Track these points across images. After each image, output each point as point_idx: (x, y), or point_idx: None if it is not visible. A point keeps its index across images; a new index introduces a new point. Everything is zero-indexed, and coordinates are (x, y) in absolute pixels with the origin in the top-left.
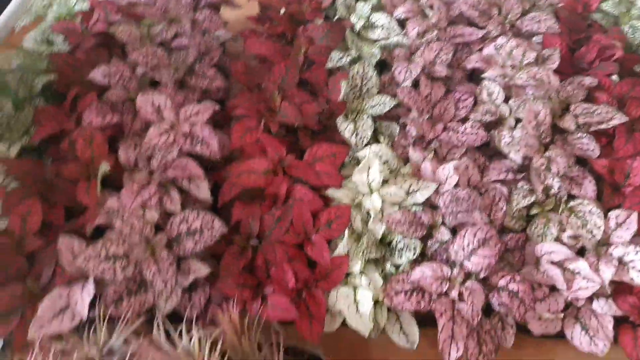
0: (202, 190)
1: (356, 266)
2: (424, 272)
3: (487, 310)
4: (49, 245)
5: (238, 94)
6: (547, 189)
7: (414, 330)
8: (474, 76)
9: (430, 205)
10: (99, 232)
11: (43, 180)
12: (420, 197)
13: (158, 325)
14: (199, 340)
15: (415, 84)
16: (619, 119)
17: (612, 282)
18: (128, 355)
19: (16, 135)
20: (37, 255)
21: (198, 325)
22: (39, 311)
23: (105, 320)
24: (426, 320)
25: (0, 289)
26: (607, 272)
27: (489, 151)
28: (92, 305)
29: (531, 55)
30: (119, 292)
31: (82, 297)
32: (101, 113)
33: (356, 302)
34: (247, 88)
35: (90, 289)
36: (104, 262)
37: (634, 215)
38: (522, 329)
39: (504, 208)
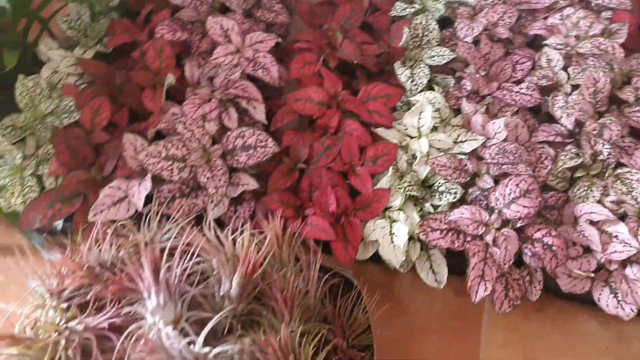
0: (259, 112)
1: (396, 201)
2: (463, 214)
3: (518, 262)
4: (114, 142)
5: (301, 31)
6: (595, 155)
7: (443, 271)
8: (535, 44)
9: (477, 156)
10: (158, 139)
11: (113, 84)
12: (468, 147)
13: (208, 224)
14: (245, 240)
15: (475, 43)
16: None
17: None
18: (180, 244)
19: (91, 42)
20: (103, 149)
21: (245, 228)
22: (99, 198)
23: (157, 216)
24: (453, 269)
25: (68, 173)
26: None
27: (539, 117)
28: (146, 200)
29: (598, 27)
30: (172, 191)
31: (140, 190)
32: (172, 29)
33: (391, 234)
34: (309, 27)
35: (147, 184)
36: (163, 161)
37: None
38: (548, 289)
39: (549, 167)
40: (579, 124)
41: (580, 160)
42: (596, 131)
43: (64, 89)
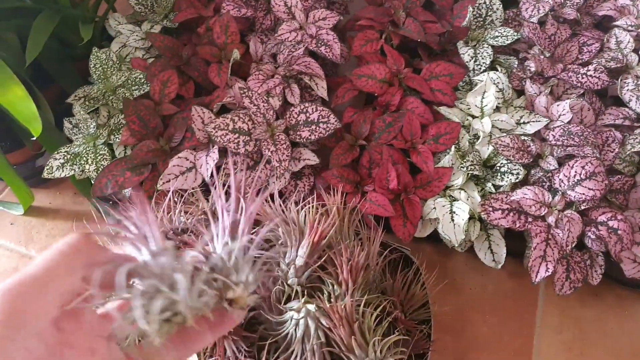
0: (321, 88)
1: (457, 180)
2: (525, 194)
3: (579, 246)
4: (181, 114)
5: (362, 8)
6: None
7: (502, 251)
8: (603, 25)
9: (540, 137)
10: (222, 113)
11: (179, 58)
12: (531, 128)
13: (272, 197)
14: (312, 211)
15: (541, 24)
16: None
17: None
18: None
19: (158, 18)
20: (171, 120)
21: (307, 201)
22: (168, 167)
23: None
24: (509, 251)
25: (138, 143)
26: None
27: (605, 100)
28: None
29: None
30: (238, 164)
31: (207, 161)
32: (237, 5)
33: (452, 213)
34: (370, 4)
35: (214, 155)
36: (230, 134)
37: None
38: (606, 275)
39: (616, 150)
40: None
41: None
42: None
43: (132, 62)
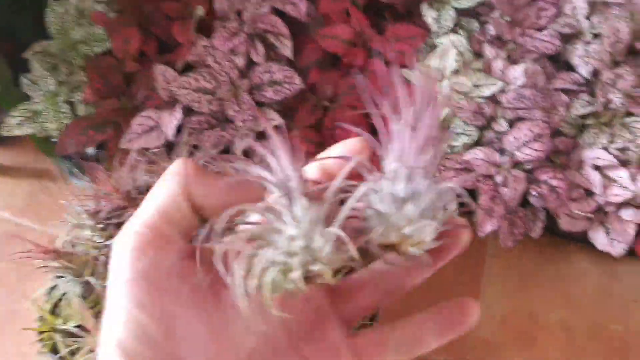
0: (286, 48)
1: None
2: (477, 155)
3: (524, 203)
4: (144, 72)
5: None
6: (607, 103)
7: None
8: None
9: (494, 100)
10: (186, 71)
11: (141, 13)
12: (487, 91)
13: (236, 155)
14: None
15: None
16: None
17: None
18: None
19: None
20: (134, 78)
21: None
22: (131, 126)
23: (187, 146)
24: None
25: (101, 101)
26: None
27: (558, 64)
28: (177, 130)
29: None
30: (202, 123)
31: (170, 120)
32: None
33: None
34: None
35: (178, 115)
36: (193, 93)
37: None
38: (549, 229)
39: (562, 113)
40: (595, 73)
41: (592, 108)
42: (610, 81)
43: (91, 16)
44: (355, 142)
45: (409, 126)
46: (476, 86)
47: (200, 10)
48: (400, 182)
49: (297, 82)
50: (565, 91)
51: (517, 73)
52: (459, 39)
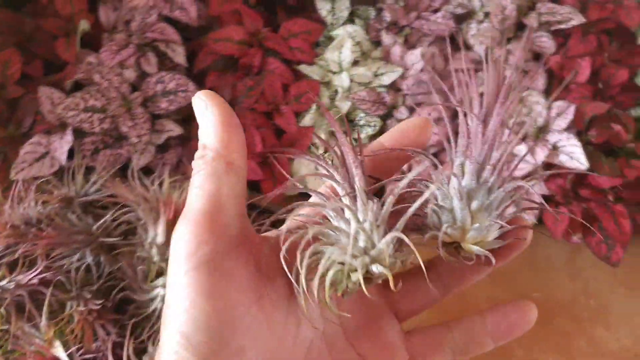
0: (178, 54)
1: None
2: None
3: None
4: (29, 95)
5: None
6: (503, 79)
7: None
8: None
9: (395, 88)
10: (77, 89)
11: (22, 33)
12: (387, 79)
13: (132, 174)
14: (166, 186)
15: None
16: (577, 20)
17: (545, 166)
18: (104, 195)
19: None
20: (18, 104)
21: (169, 175)
22: (20, 155)
23: (83, 169)
24: None
25: None
26: (541, 154)
27: (457, 45)
28: (70, 154)
29: None
30: (96, 143)
31: (61, 144)
32: None
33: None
34: None
35: (68, 138)
36: (82, 114)
37: (572, 107)
38: None
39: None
40: (489, 49)
41: None
42: (502, 57)
43: None
44: (418, 123)
45: (479, 119)
46: (377, 75)
47: (84, 25)
48: (467, 177)
49: (192, 89)
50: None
51: (415, 58)
52: (355, 29)
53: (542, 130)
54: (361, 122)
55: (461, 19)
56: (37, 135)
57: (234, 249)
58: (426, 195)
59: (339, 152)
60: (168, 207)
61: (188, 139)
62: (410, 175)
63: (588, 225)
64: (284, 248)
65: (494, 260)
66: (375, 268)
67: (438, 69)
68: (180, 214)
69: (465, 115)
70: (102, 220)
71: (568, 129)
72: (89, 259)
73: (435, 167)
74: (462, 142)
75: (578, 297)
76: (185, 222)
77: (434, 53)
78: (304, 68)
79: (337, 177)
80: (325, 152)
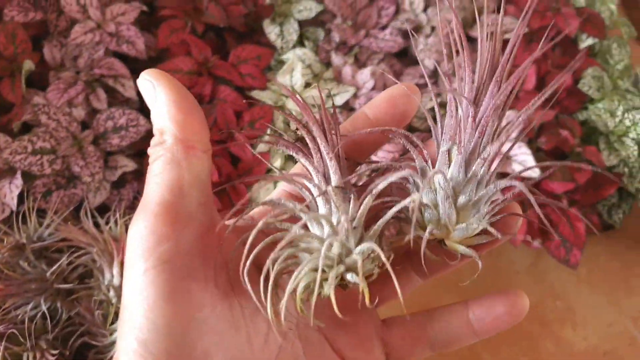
0: (128, 89)
1: (276, 162)
2: None
3: None
4: None
5: None
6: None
7: None
8: None
9: (348, 108)
10: (26, 131)
11: None
12: (340, 99)
13: (86, 214)
14: (120, 226)
15: None
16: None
17: (498, 175)
18: (57, 239)
19: None
20: None
21: (124, 212)
22: None
23: (34, 212)
24: None
25: None
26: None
27: (406, 60)
28: (20, 198)
29: None
30: (48, 185)
31: (11, 189)
32: (24, 9)
33: None
34: None
35: (18, 182)
36: (31, 156)
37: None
38: None
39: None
40: (438, 63)
41: (439, 100)
42: (450, 71)
43: None
44: (404, 90)
45: (469, 101)
46: (328, 97)
47: (28, 65)
48: (453, 168)
49: (143, 124)
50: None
51: (365, 76)
52: (305, 52)
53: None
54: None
55: (408, 34)
56: None
57: (198, 243)
58: (406, 202)
59: (311, 142)
60: (121, 247)
61: (143, 174)
62: (391, 178)
63: (548, 229)
64: (248, 260)
65: (480, 264)
66: (351, 277)
67: (389, 84)
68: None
69: (454, 95)
70: (56, 265)
71: (518, 137)
72: (44, 307)
73: (424, 159)
74: (450, 124)
75: (544, 299)
76: (142, 216)
77: (384, 70)
78: (256, 94)
79: (311, 170)
80: (297, 139)
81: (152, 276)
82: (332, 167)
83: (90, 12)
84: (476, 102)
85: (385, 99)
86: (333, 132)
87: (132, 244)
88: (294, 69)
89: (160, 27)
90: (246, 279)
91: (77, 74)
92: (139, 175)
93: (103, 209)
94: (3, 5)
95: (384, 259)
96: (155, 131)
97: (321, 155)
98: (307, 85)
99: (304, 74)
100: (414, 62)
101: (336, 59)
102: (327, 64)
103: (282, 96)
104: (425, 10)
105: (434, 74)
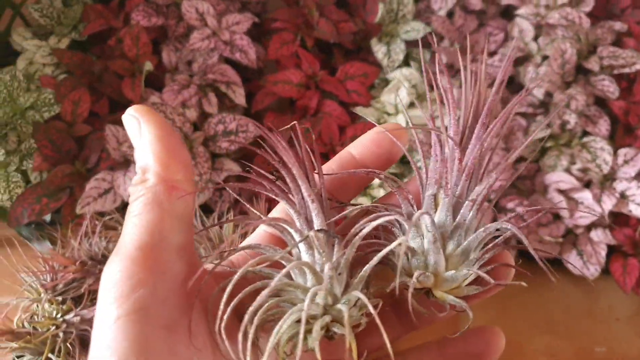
0: (239, 95)
1: (376, 180)
2: None
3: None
4: (96, 133)
5: (277, 9)
6: (563, 124)
7: None
8: (507, 13)
9: None
10: None
11: (91, 73)
12: (444, 122)
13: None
14: (230, 227)
15: (450, 15)
16: None
17: (611, 214)
18: None
19: (65, 30)
20: (86, 141)
21: (229, 214)
22: (85, 190)
23: None
24: None
25: (52, 167)
26: (608, 203)
27: (513, 87)
28: None
29: None
30: None
31: (125, 180)
32: (148, 14)
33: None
34: (285, 4)
35: (132, 175)
36: None
37: None
38: (524, 254)
39: (521, 138)
40: (549, 94)
41: (549, 131)
42: (563, 102)
43: (41, 81)
44: (391, 129)
45: (455, 143)
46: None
47: (148, 66)
48: (440, 213)
49: (252, 130)
50: (523, 115)
51: None
52: (411, 72)
53: (608, 178)
54: (419, 164)
55: (518, 62)
56: (102, 171)
57: (177, 291)
58: (393, 245)
59: (292, 183)
60: (231, 246)
61: (245, 178)
62: (377, 221)
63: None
64: (225, 314)
65: (471, 314)
66: (337, 329)
67: (496, 112)
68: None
69: (439, 137)
70: None
71: (637, 176)
72: None
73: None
74: (435, 167)
75: None
76: (118, 259)
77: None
78: (360, 110)
79: (292, 212)
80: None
81: (125, 325)
82: (314, 209)
83: (208, 20)
84: (462, 144)
85: (371, 138)
86: (316, 171)
87: (104, 288)
88: (399, 88)
89: (272, 39)
90: (223, 333)
91: (190, 77)
92: (242, 178)
93: (204, 210)
94: (130, 10)
95: (371, 309)
96: (137, 169)
97: (302, 196)
98: (411, 104)
99: (410, 93)
100: (521, 90)
101: (442, 80)
102: (431, 85)
103: (385, 114)
104: (535, 39)
105: (543, 104)
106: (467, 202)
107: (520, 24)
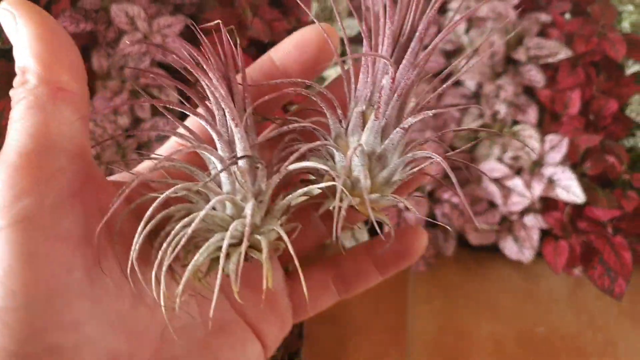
0: (172, 99)
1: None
2: None
3: (432, 224)
4: None
5: (211, 9)
6: (494, 114)
7: (363, 236)
8: (441, 9)
9: None
10: None
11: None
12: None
13: None
14: None
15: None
16: (564, 53)
17: (542, 199)
18: None
19: None
20: None
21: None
22: None
23: None
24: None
25: None
26: (538, 189)
27: (448, 79)
28: None
29: None
30: None
31: None
32: (75, 20)
33: None
34: (219, 4)
35: None
36: None
37: (566, 140)
38: (463, 243)
39: (454, 128)
40: (480, 84)
41: (481, 122)
42: (493, 93)
43: None
44: (319, 30)
45: (388, 61)
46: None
47: None
48: (368, 134)
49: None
50: (457, 106)
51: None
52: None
53: (537, 164)
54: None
55: (451, 55)
56: None
57: (69, 200)
58: (322, 185)
59: (211, 95)
60: None
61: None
62: (304, 164)
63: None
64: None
65: (392, 231)
66: (254, 255)
67: (431, 104)
68: None
69: (371, 49)
70: None
71: (563, 162)
72: None
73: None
74: (365, 81)
75: (584, 331)
76: (1, 163)
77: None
78: None
79: (213, 134)
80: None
81: (8, 236)
82: (237, 132)
83: (138, 24)
84: (395, 61)
85: (294, 43)
86: (238, 80)
87: None
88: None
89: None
90: (136, 265)
91: (122, 83)
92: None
93: None
94: (56, 17)
95: (290, 248)
96: (17, 70)
97: (226, 120)
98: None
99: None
100: (457, 83)
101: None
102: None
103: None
104: (467, 32)
105: (475, 95)
106: (398, 129)
107: (452, 17)
